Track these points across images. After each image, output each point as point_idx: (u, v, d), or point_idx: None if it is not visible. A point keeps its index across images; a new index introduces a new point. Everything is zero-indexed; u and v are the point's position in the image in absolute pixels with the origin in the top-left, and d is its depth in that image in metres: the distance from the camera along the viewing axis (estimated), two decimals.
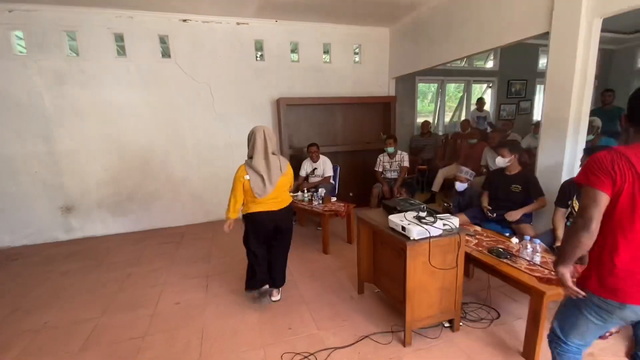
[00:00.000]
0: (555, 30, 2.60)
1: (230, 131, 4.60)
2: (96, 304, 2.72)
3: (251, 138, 2.37)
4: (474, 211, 3.07)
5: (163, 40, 4.21)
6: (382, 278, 2.42)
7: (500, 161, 2.90)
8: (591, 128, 3.09)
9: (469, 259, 2.21)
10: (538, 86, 7.08)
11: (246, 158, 2.43)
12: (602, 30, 2.44)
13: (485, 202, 3.01)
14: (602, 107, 4.41)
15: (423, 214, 2.03)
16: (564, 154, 2.65)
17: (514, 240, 2.35)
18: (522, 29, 2.95)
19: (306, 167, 4.31)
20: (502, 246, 2.27)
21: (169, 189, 4.54)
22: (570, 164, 2.66)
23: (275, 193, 2.39)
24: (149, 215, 4.52)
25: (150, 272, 3.25)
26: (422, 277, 1.97)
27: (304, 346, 2.11)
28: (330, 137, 5.08)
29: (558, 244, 2.38)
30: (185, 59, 4.27)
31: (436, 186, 4.93)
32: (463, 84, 6.89)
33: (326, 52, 4.98)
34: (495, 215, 2.86)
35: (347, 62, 5.03)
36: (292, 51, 4.85)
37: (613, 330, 2.07)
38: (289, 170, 2.49)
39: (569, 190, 2.37)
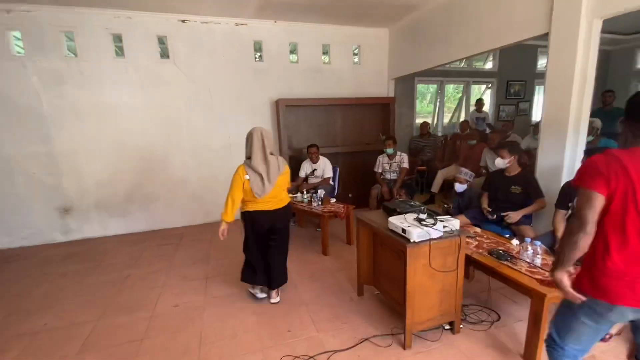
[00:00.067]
0: (555, 31, 2.60)
1: (229, 132, 4.59)
2: (94, 306, 2.70)
3: (249, 139, 2.41)
4: (473, 212, 3.06)
5: (162, 41, 4.20)
6: (382, 280, 2.41)
7: (500, 162, 2.89)
8: (591, 129, 3.09)
9: (469, 261, 2.20)
10: (537, 87, 7.09)
11: (245, 159, 2.46)
12: (600, 31, 2.44)
13: (485, 203, 3.00)
14: (602, 107, 4.41)
15: (423, 216, 2.02)
16: (564, 155, 2.64)
17: (515, 242, 2.34)
18: (521, 30, 2.94)
19: (306, 168, 4.30)
20: (503, 248, 2.26)
21: (168, 190, 4.53)
22: (571, 165, 2.65)
23: (274, 192, 2.43)
24: (147, 216, 4.50)
25: (148, 274, 3.23)
26: (422, 279, 1.96)
27: (303, 349, 2.10)
28: (330, 138, 5.07)
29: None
30: (184, 60, 4.26)
31: (435, 187, 4.92)
32: (462, 85, 6.89)
33: (325, 52, 4.98)
34: (495, 216, 2.85)
35: (347, 63, 5.03)
36: (291, 52, 4.84)
37: (614, 332, 2.07)
38: (286, 169, 2.53)
39: (570, 191, 2.36)
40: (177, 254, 3.68)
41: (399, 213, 2.19)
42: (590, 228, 1.17)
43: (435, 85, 6.85)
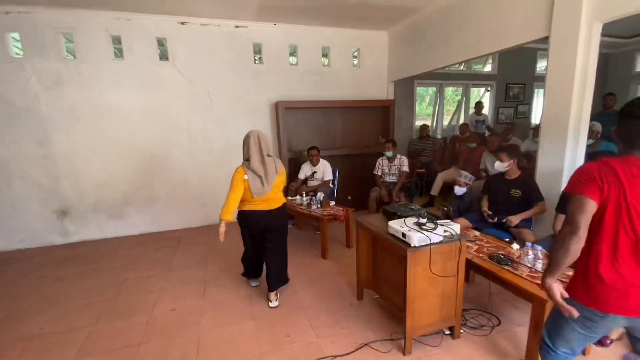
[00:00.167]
0: (555, 34, 2.59)
1: (228, 134, 4.57)
2: (91, 310, 2.67)
3: (246, 142, 2.49)
4: (474, 215, 3.05)
5: (161, 43, 4.19)
6: (382, 284, 2.39)
7: (499, 165, 2.89)
8: (591, 133, 3.08)
9: (470, 265, 2.19)
10: (536, 90, 7.10)
11: (243, 161, 2.51)
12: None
13: (485, 206, 2.99)
14: (603, 110, 4.41)
15: (423, 220, 2.00)
16: (564, 159, 2.63)
17: (515, 246, 2.33)
18: (521, 33, 2.94)
19: (305, 170, 4.28)
20: (503, 252, 2.25)
21: (166, 192, 4.50)
22: (571, 169, 2.64)
23: (271, 193, 2.49)
24: (145, 218, 4.47)
25: (146, 277, 3.21)
26: (423, 284, 1.94)
27: (302, 355, 2.07)
28: (329, 141, 5.06)
29: None
30: (183, 62, 4.25)
31: (435, 190, 4.91)
32: (461, 88, 6.90)
33: (325, 55, 4.98)
34: (496, 219, 2.84)
35: (346, 65, 5.02)
36: (291, 54, 4.84)
37: (615, 337, 2.05)
38: (283, 170, 2.60)
39: None
40: (175, 257, 3.66)
41: (399, 217, 2.17)
42: (583, 233, 1.17)
43: (434, 88, 6.85)
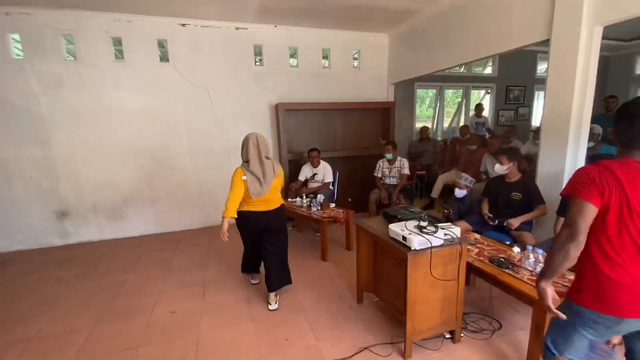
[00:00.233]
0: (555, 37, 2.59)
1: (228, 136, 4.57)
2: (90, 312, 2.66)
3: (244, 144, 2.52)
4: (474, 218, 3.04)
5: (162, 44, 4.19)
6: (382, 287, 2.38)
7: (499, 168, 2.88)
8: (591, 135, 3.08)
9: (470, 268, 2.18)
10: (536, 92, 7.10)
11: (242, 162, 2.54)
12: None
13: (485, 209, 2.98)
14: (605, 113, 4.40)
15: (424, 223, 1.99)
16: (564, 161, 2.63)
17: (516, 249, 2.32)
18: (522, 36, 2.94)
19: (306, 171, 4.28)
20: (504, 255, 2.24)
21: (166, 194, 4.49)
22: (572, 172, 2.59)
23: (269, 194, 2.52)
24: (145, 220, 4.47)
25: (145, 279, 3.20)
26: (423, 287, 1.93)
27: (302, 357, 2.07)
28: (329, 143, 5.06)
29: None
30: (183, 63, 4.25)
31: (435, 192, 4.90)
32: (461, 90, 6.90)
33: (325, 57, 4.98)
34: (497, 222, 2.83)
35: (346, 67, 5.02)
36: (291, 56, 4.84)
37: (616, 342, 2.03)
38: (281, 172, 2.63)
39: None
40: (174, 259, 3.65)
41: (400, 220, 2.17)
42: (582, 238, 1.15)
43: (434, 90, 6.85)
